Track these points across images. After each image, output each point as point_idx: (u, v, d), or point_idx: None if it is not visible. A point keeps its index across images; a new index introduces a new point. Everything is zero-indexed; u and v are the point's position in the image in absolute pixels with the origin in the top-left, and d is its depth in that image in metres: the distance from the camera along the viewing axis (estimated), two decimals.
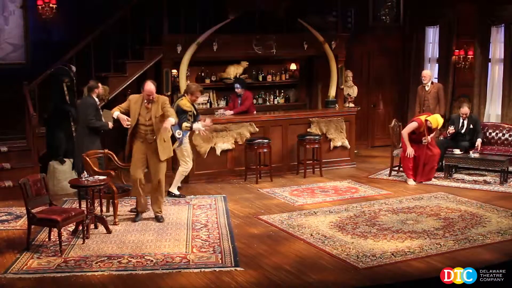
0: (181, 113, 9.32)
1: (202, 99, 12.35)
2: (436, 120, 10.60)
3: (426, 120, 10.52)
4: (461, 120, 11.30)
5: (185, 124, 9.37)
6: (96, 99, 9.57)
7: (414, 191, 10.06)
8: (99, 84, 9.71)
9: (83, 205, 7.90)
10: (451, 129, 11.21)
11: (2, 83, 10.61)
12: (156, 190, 8.34)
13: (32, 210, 7.17)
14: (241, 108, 11.49)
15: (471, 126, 11.23)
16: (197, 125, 9.52)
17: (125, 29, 11.01)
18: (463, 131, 11.24)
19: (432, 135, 10.74)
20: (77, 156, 9.33)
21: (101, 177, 7.89)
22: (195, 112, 9.63)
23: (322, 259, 6.92)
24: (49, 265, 6.71)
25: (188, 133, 9.73)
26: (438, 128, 10.88)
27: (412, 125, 10.64)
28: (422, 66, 14.27)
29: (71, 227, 7.78)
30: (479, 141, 11.07)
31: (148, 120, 8.08)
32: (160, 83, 11.38)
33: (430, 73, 12.30)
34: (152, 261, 6.83)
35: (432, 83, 11.99)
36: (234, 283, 6.23)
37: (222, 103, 12.77)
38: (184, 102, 9.48)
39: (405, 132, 10.66)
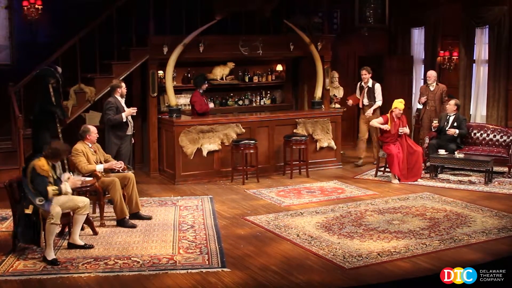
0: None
1: (184, 100, 12.34)
2: (398, 102, 11.02)
3: (391, 112, 10.96)
4: (447, 117, 11.38)
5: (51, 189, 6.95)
6: (119, 98, 9.50)
7: (400, 192, 10.12)
8: (122, 84, 9.65)
9: None
10: (434, 123, 11.29)
11: None
12: None
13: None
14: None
15: (455, 124, 11.29)
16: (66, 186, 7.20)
17: (111, 30, 10.96)
18: (447, 128, 11.29)
19: (405, 130, 10.94)
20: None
21: (87, 179, 7.87)
22: (55, 176, 7.15)
23: (309, 259, 6.95)
24: (35, 267, 6.68)
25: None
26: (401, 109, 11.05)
27: (379, 119, 11.22)
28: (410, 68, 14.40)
29: (58, 229, 7.73)
30: (456, 130, 11.18)
31: None
32: (147, 84, 11.39)
33: (435, 73, 12.35)
34: (138, 262, 6.82)
35: (437, 83, 12.09)
36: (221, 284, 6.24)
37: (210, 105, 12.72)
38: (42, 163, 6.99)
39: (372, 122, 11.33)
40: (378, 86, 12.16)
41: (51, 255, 6.83)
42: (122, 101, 9.51)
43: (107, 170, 8.43)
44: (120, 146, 9.39)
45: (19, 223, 7.00)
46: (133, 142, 9.86)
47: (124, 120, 9.35)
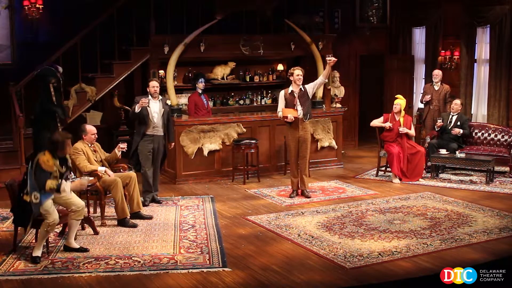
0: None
1: (185, 100, 12.31)
2: (402, 99, 11.10)
3: (395, 109, 11.01)
4: (450, 116, 11.37)
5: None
6: (149, 96, 9.22)
7: (401, 191, 10.11)
8: (150, 82, 9.33)
9: None
10: (439, 122, 11.25)
11: None
12: None
13: None
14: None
15: (459, 123, 11.29)
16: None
17: (111, 30, 10.97)
18: (450, 127, 11.28)
19: (411, 131, 10.94)
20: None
21: (89, 178, 7.87)
22: (62, 170, 7.01)
23: (310, 259, 6.94)
24: (36, 267, 6.68)
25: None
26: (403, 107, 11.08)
27: (379, 119, 11.22)
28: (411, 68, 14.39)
29: (58, 229, 7.74)
30: (460, 130, 11.21)
31: None
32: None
33: (441, 73, 12.14)
34: (139, 262, 6.82)
35: (441, 83, 11.99)
36: (222, 284, 6.23)
37: (210, 104, 12.70)
38: (47, 158, 6.90)
39: (372, 122, 11.28)
40: (309, 84, 9.70)
41: (36, 252, 6.83)
42: (153, 100, 9.22)
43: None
44: (139, 143, 9.23)
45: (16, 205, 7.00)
46: (162, 146, 9.42)
47: (137, 111, 9.00)
